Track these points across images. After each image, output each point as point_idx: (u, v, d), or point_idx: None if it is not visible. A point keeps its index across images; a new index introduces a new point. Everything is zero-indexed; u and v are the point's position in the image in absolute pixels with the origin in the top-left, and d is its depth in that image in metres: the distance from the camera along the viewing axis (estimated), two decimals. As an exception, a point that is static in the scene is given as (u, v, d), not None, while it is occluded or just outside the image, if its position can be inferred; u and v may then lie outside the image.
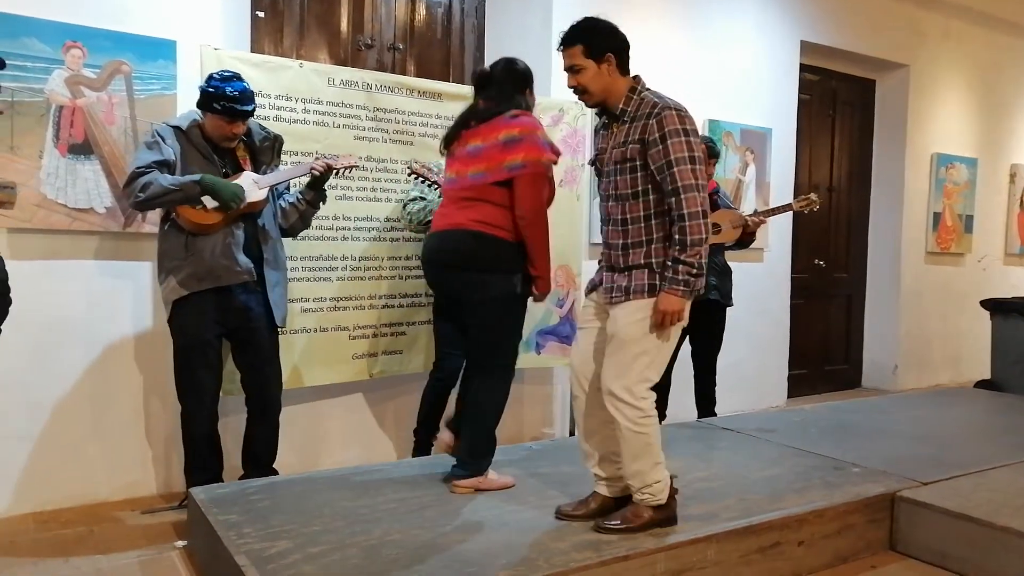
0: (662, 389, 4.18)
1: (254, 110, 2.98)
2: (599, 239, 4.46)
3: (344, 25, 4.21)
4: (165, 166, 2.86)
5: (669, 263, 2.39)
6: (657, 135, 2.37)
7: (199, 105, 2.94)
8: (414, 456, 3.60)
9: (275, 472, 3.17)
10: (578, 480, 3.01)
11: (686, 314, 2.42)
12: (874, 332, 6.50)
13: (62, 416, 3.20)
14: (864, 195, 6.48)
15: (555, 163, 2.81)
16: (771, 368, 5.53)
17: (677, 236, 2.37)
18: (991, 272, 6.99)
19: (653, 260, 2.43)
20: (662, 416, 4.20)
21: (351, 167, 3.26)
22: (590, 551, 2.34)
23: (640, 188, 2.44)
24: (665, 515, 2.54)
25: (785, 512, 2.72)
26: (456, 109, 3.84)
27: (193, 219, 2.88)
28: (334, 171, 3.17)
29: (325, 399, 3.71)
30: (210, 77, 2.93)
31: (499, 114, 2.79)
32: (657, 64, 4.70)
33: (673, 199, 2.37)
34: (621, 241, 2.49)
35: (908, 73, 6.26)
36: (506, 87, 2.86)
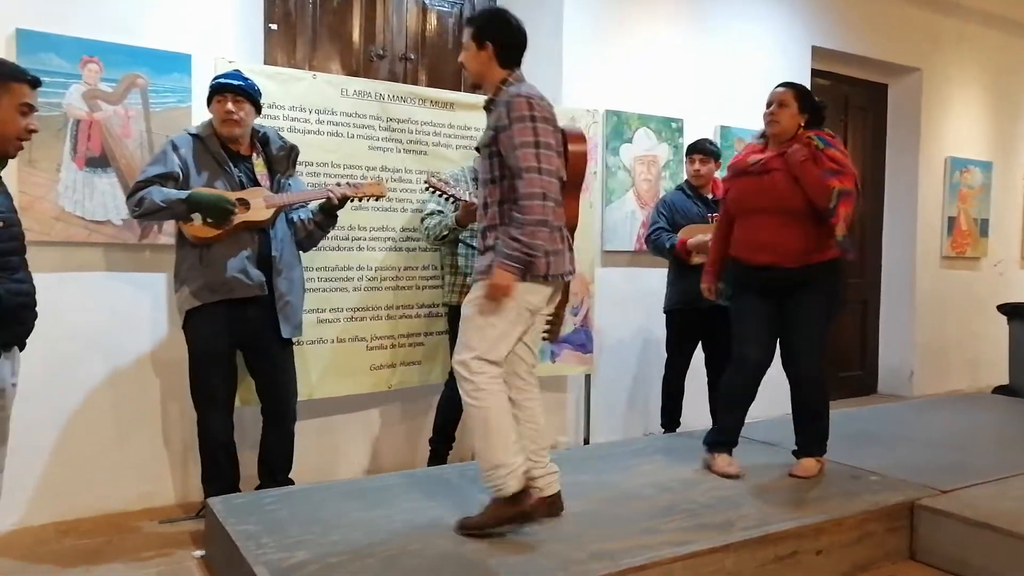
0: (675, 397, 4.18)
1: (244, 87, 2.98)
2: (613, 246, 4.54)
3: (356, 36, 4.23)
4: (169, 179, 2.89)
5: (506, 239, 2.42)
6: (506, 120, 2.43)
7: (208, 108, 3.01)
8: (430, 465, 3.61)
9: (291, 482, 3.18)
10: (595, 487, 3.01)
11: (517, 291, 2.41)
12: (889, 337, 6.45)
13: (81, 427, 3.23)
14: (878, 200, 6.45)
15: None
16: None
17: (515, 214, 2.41)
18: (1008, 276, 6.93)
19: (499, 243, 2.46)
20: (676, 424, 4.18)
21: (374, 197, 3.25)
22: (607, 560, 2.34)
23: (496, 174, 2.50)
24: (516, 510, 2.48)
25: (803, 521, 2.71)
26: (468, 119, 3.88)
27: (193, 232, 2.90)
28: (351, 200, 3.18)
29: (342, 411, 3.72)
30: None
31: None
32: (667, 70, 4.71)
33: (516, 181, 2.42)
34: (483, 224, 2.56)
35: (921, 77, 6.22)
36: None
